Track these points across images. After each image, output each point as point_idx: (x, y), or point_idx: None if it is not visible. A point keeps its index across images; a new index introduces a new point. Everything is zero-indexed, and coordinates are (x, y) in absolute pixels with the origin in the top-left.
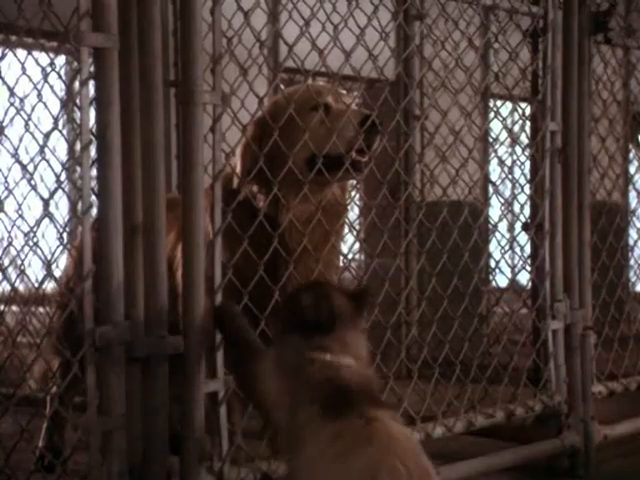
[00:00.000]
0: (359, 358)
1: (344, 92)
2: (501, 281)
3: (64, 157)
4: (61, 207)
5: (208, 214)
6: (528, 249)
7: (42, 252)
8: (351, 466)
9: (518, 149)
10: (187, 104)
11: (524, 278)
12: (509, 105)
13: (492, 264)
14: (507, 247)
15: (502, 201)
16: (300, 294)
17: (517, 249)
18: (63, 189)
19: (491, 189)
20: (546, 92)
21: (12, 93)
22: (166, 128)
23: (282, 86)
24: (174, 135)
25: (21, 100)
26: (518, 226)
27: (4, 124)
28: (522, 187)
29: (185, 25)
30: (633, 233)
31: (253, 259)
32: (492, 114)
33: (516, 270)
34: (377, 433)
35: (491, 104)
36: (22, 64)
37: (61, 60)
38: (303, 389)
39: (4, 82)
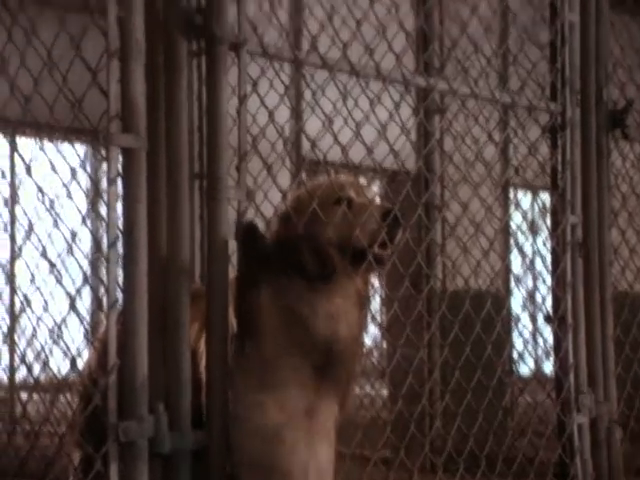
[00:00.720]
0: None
1: (366, 185)
2: (525, 371)
3: (90, 252)
4: (85, 298)
5: (232, 306)
6: (551, 340)
7: (66, 345)
8: None
9: (539, 240)
10: (212, 199)
11: (548, 368)
12: (529, 196)
13: (515, 355)
14: (530, 338)
15: (524, 293)
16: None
17: (540, 340)
18: (89, 284)
19: (513, 280)
20: (566, 186)
21: (42, 192)
22: (190, 219)
23: (305, 179)
24: (198, 226)
25: (51, 200)
26: (540, 317)
27: (33, 222)
28: (544, 279)
29: (211, 123)
30: None
31: None
32: (512, 206)
33: (540, 361)
34: None
35: (511, 195)
36: (51, 162)
37: (88, 155)
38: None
39: (34, 181)
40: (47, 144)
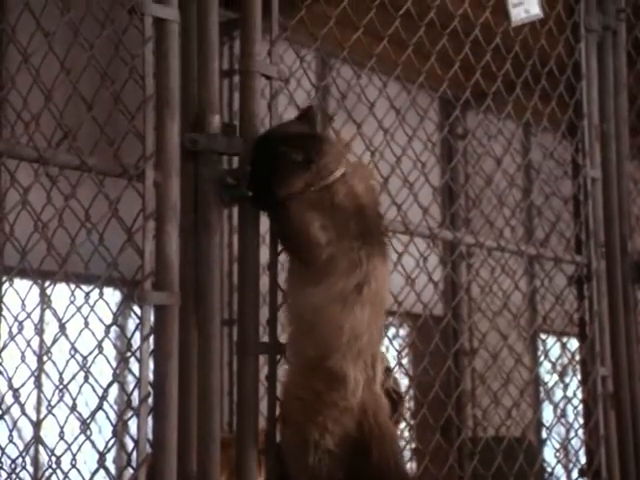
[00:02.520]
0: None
1: None
2: None
3: (118, 406)
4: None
5: None
6: None
7: None
8: None
9: (569, 390)
10: (243, 354)
11: None
12: (557, 345)
13: None
14: None
15: (556, 444)
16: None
17: None
18: (119, 439)
19: (545, 431)
20: (594, 337)
21: (75, 349)
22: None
23: None
24: (226, 373)
25: (84, 357)
26: (575, 471)
27: (65, 380)
28: (576, 431)
29: (242, 271)
30: None
31: None
32: (542, 355)
33: None
34: None
35: (540, 344)
36: (85, 319)
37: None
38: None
39: (67, 338)
40: (80, 297)
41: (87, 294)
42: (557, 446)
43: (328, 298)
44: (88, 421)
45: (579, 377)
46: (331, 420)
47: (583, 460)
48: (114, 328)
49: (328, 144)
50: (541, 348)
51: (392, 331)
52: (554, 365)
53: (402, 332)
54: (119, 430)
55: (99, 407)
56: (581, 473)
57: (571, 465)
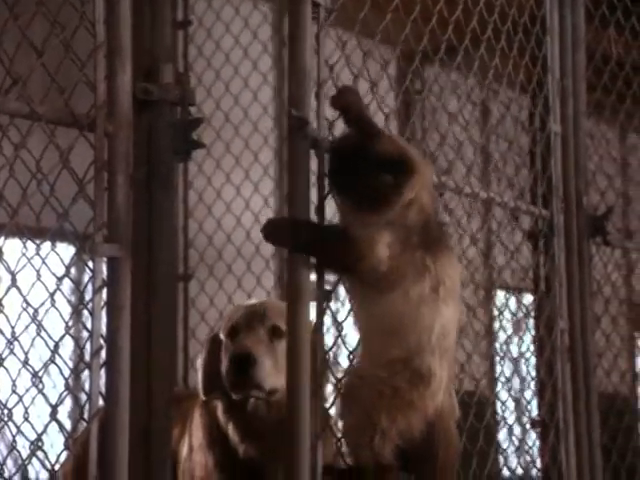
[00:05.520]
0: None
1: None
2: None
3: (72, 361)
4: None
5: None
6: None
7: (45, 455)
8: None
9: (523, 344)
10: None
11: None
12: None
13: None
14: (516, 443)
15: (510, 396)
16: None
17: (526, 445)
18: (72, 393)
19: (499, 384)
20: (556, 292)
21: (27, 302)
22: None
23: None
24: (180, 327)
25: (35, 310)
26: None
27: (16, 332)
28: (529, 384)
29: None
30: None
31: None
32: (497, 309)
33: (526, 467)
34: None
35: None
36: (37, 271)
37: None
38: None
39: (19, 291)
40: (32, 250)
41: (38, 245)
42: (511, 399)
43: (410, 302)
44: (40, 374)
45: (532, 332)
46: (404, 418)
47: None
48: (68, 282)
49: (414, 166)
50: (497, 302)
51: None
52: (509, 317)
53: None
54: (72, 383)
55: (51, 360)
56: (533, 425)
57: (524, 418)
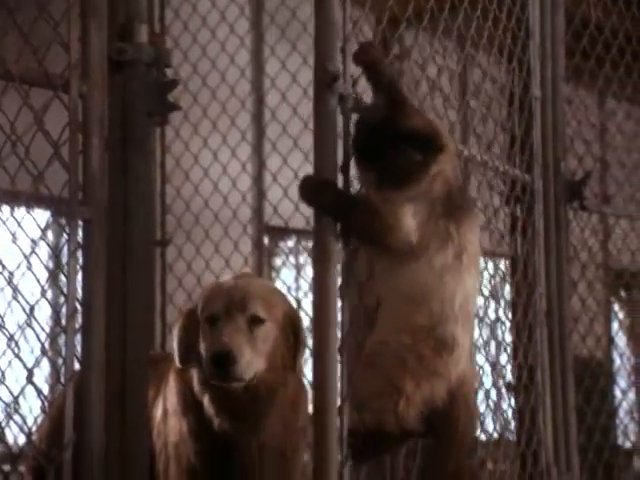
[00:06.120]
0: None
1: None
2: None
3: (49, 324)
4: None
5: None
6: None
7: (22, 418)
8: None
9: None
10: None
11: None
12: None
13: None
14: (492, 405)
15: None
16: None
17: (502, 407)
18: (47, 355)
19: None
20: (535, 257)
21: (2, 265)
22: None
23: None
24: (158, 292)
25: (10, 273)
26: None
27: None
28: (505, 348)
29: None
30: (617, 393)
31: None
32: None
33: (502, 428)
34: None
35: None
36: (13, 234)
37: (49, 225)
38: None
39: None
40: (6, 213)
41: (13, 208)
42: (487, 364)
43: (434, 271)
44: (16, 337)
45: (509, 297)
46: (428, 385)
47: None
48: (45, 247)
49: (443, 143)
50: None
51: None
52: (487, 281)
53: None
54: (48, 347)
55: (27, 323)
56: (508, 387)
57: (501, 382)
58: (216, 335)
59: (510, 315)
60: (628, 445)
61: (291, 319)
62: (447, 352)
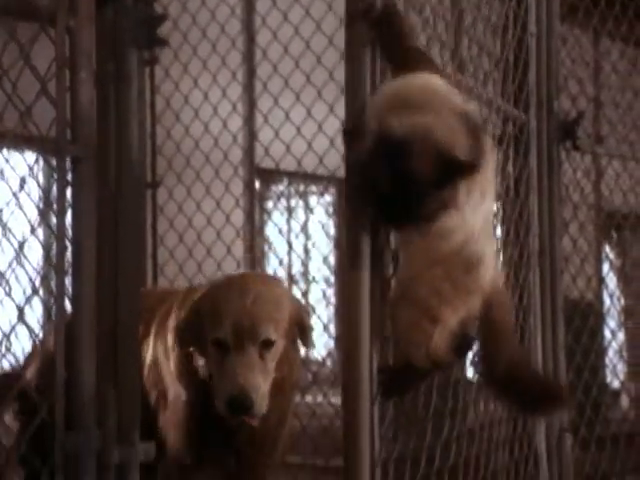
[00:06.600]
0: None
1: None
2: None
3: (40, 262)
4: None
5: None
6: None
7: (14, 356)
8: None
9: None
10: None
11: None
12: None
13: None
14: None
15: None
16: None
17: None
18: (38, 294)
19: None
20: (527, 196)
21: None
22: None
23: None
24: (149, 234)
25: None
26: None
27: None
28: None
29: None
30: (607, 333)
31: None
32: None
33: None
34: None
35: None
36: (1, 172)
37: (39, 164)
38: None
39: None
40: None
41: (1, 148)
42: None
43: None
44: (7, 275)
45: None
46: (465, 305)
47: None
48: (35, 188)
49: (485, 140)
50: None
51: (315, 198)
52: None
53: (328, 198)
54: (39, 286)
55: (17, 261)
56: None
57: None
58: (230, 372)
59: (501, 256)
60: (616, 384)
61: (296, 317)
62: (475, 268)
